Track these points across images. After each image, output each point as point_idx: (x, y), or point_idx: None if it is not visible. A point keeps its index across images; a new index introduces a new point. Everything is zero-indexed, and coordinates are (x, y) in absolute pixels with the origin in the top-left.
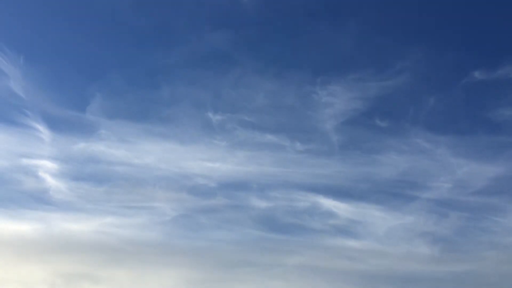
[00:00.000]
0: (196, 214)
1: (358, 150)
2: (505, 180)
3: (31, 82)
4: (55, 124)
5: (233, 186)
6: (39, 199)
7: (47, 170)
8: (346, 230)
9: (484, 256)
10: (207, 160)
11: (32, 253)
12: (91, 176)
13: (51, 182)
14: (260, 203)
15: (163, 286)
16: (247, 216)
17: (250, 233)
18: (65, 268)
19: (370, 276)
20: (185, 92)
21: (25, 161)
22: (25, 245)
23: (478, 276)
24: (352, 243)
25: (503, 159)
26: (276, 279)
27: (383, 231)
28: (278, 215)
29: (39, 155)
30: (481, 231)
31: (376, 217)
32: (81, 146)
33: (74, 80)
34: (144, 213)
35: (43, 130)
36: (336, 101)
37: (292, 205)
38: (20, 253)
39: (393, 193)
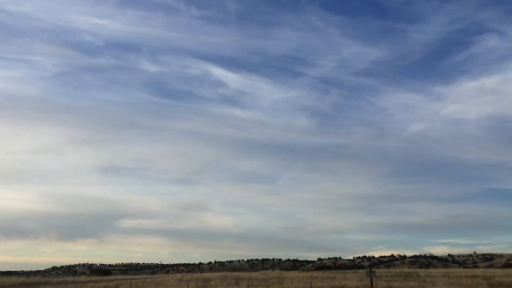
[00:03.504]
0: (81, 72)
1: (255, 22)
2: (385, 63)
3: None
4: None
5: (122, 47)
6: None
7: None
8: (234, 99)
9: (355, 131)
10: (94, 15)
11: None
12: None
13: None
14: (150, 67)
15: (43, 143)
16: (135, 78)
17: (138, 96)
18: None
19: (252, 144)
20: None
21: None
22: None
23: (347, 148)
24: (238, 112)
25: (386, 43)
26: (162, 142)
27: (268, 103)
28: (168, 80)
29: None
30: (355, 109)
31: (264, 89)
32: None
33: None
34: (21, 66)
35: None
36: None
37: (183, 71)
38: None
39: (282, 67)
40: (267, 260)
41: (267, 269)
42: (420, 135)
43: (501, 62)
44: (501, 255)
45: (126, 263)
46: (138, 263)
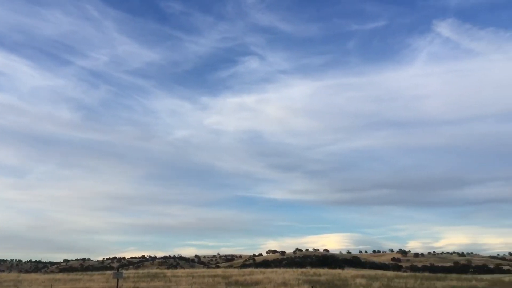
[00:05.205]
0: None
1: None
2: (158, 67)
3: None
4: None
5: None
6: None
7: None
8: None
9: (122, 130)
10: None
11: None
12: None
13: None
14: None
15: None
16: None
17: None
18: None
19: (5, 132)
20: None
21: None
22: None
23: (111, 147)
24: None
25: (162, 47)
26: None
27: (28, 89)
28: None
29: None
30: (124, 107)
31: (25, 73)
32: None
33: None
34: None
35: None
36: None
37: None
38: None
39: (48, 52)
40: (3, 261)
41: (2, 271)
42: (184, 141)
43: (260, 83)
44: (240, 256)
45: None
46: None
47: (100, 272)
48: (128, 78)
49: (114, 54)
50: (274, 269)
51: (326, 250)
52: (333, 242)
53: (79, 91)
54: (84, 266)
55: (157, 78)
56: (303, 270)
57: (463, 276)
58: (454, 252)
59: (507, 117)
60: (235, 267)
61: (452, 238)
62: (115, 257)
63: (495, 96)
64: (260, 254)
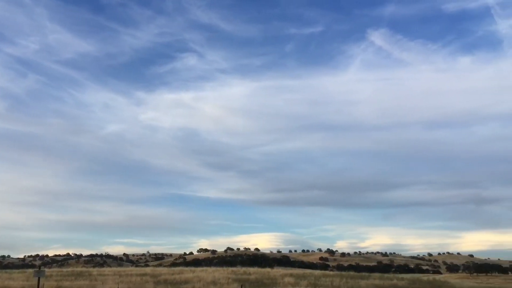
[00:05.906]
0: None
1: None
2: (92, 58)
3: None
4: None
5: None
6: None
7: None
8: None
9: (50, 122)
10: None
11: None
12: None
13: None
14: None
15: None
16: None
17: None
18: None
19: None
20: None
21: None
22: None
23: (38, 139)
24: None
25: (97, 39)
26: None
27: None
28: None
29: None
30: (54, 99)
31: None
32: None
33: None
34: None
35: None
36: None
37: None
38: None
39: None
40: None
41: None
42: (117, 136)
43: (198, 81)
44: (171, 255)
45: None
46: None
47: (21, 270)
48: (59, 68)
49: (45, 43)
50: (205, 268)
51: (257, 249)
52: (264, 242)
53: (4, 80)
54: (3, 264)
55: (90, 70)
56: (234, 269)
57: (386, 275)
58: (378, 252)
59: (432, 125)
60: (165, 266)
61: (377, 238)
62: (37, 255)
63: (422, 105)
64: (191, 253)
